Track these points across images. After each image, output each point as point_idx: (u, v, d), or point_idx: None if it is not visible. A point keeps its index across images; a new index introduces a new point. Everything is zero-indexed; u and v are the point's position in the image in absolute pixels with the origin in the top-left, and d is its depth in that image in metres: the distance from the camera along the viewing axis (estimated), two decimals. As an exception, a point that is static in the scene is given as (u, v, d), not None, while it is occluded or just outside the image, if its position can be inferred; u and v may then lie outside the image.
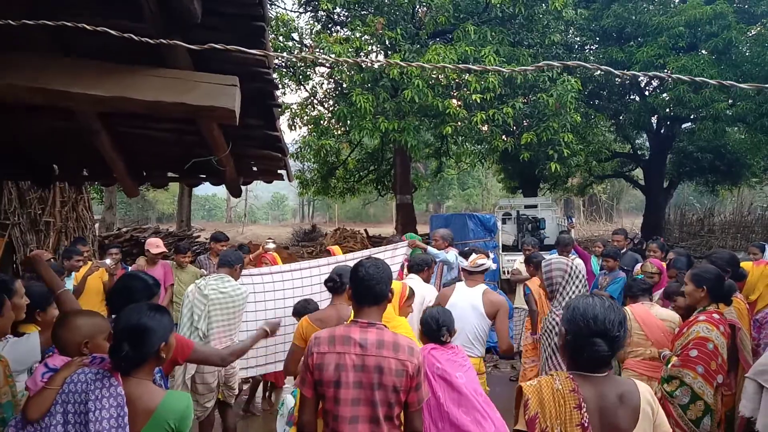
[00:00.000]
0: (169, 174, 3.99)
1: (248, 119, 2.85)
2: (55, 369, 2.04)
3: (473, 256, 4.15)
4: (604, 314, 1.82)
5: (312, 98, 15.72)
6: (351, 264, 2.90)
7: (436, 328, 2.92)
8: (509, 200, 17.66)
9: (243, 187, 3.86)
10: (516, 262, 7.25)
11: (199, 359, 2.89)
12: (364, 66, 10.39)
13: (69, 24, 1.66)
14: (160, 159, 3.81)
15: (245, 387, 5.62)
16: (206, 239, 15.20)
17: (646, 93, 16.86)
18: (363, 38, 11.97)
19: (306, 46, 14.53)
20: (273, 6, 15.08)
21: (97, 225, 10.79)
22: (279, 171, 3.71)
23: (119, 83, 2.26)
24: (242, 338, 4.47)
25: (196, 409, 3.63)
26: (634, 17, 14.21)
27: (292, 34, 13.84)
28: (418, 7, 13.13)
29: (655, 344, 3.85)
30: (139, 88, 2.26)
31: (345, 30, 13.73)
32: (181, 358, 2.74)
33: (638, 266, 5.62)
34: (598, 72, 14.92)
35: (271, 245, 6.89)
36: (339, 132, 14.24)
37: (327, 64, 13.88)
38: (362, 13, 12.79)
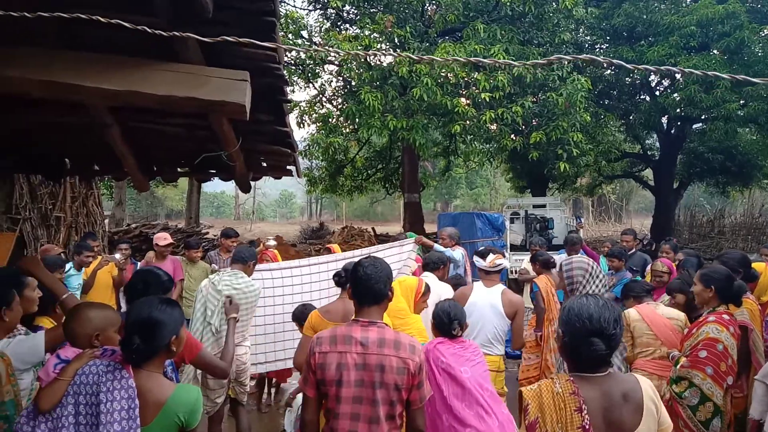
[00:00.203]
0: (179, 169, 4.01)
1: (258, 114, 2.85)
2: (67, 360, 2.06)
3: (491, 256, 4.13)
4: (599, 313, 1.82)
5: (321, 96, 15.75)
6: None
7: (448, 321, 2.92)
8: (518, 200, 17.55)
9: (251, 184, 3.87)
10: (524, 261, 7.26)
11: (203, 364, 2.87)
12: (374, 59, 10.36)
13: (83, 16, 1.67)
14: (171, 154, 3.83)
15: (252, 383, 5.64)
16: (215, 236, 15.32)
17: (657, 93, 16.72)
18: (372, 36, 11.95)
19: (315, 43, 14.54)
20: (282, 3, 15.09)
21: (106, 221, 10.87)
22: (288, 167, 3.71)
23: (131, 77, 2.27)
24: (252, 334, 4.52)
25: (205, 403, 3.64)
26: (645, 16, 14.07)
27: (302, 32, 13.86)
28: (427, 5, 13.10)
29: (665, 343, 3.83)
30: (152, 83, 2.26)
31: (354, 28, 13.70)
32: (188, 358, 2.75)
33: (649, 266, 5.60)
34: (609, 71, 14.83)
35: (272, 242, 6.93)
36: (347, 130, 14.24)
37: (336, 62, 13.89)
38: (371, 10, 12.77)
